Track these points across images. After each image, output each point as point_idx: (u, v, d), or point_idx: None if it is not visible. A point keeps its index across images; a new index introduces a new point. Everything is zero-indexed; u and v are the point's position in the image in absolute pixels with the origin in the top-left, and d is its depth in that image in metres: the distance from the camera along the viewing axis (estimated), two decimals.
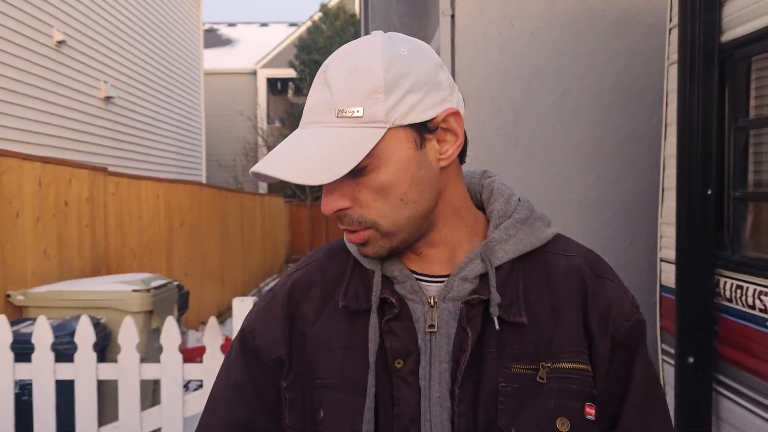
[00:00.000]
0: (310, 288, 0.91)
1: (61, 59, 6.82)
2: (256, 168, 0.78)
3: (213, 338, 2.90)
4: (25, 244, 4.29)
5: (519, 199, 0.92)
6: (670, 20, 2.20)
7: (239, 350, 0.93)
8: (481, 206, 0.93)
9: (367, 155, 0.76)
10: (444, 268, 0.87)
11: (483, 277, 0.84)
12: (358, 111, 0.77)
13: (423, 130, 0.80)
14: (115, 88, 8.23)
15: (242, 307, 2.84)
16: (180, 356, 2.86)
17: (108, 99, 7.97)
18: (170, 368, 2.86)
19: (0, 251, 4.00)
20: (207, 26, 20.59)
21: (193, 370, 2.90)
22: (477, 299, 0.82)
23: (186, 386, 5.05)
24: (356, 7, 17.16)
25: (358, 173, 0.79)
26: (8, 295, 4.04)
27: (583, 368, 0.82)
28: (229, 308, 9.18)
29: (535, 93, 2.83)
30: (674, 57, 2.15)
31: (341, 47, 0.83)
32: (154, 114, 9.78)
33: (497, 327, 0.81)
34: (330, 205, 0.81)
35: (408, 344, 0.83)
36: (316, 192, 16.12)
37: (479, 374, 0.80)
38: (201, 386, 3.13)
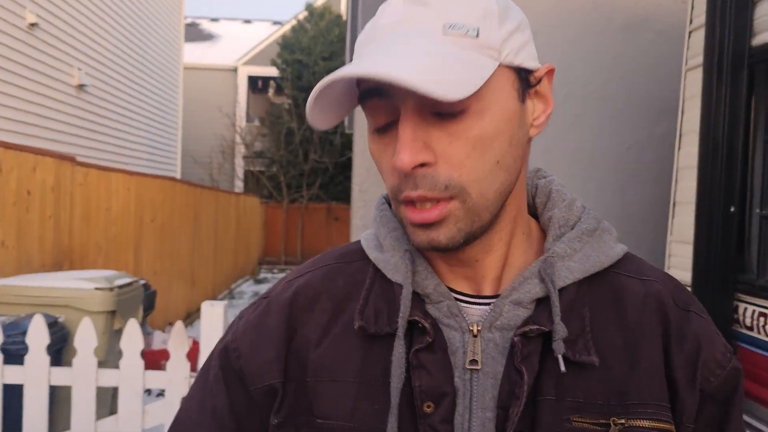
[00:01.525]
0: (315, 300, 0.72)
1: (33, 42, 6.52)
2: (355, 69, 0.56)
3: (178, 345, 2.67)
4: None
5: (583, 206, 0.73)
6: (690, 22, 2.05)
7: (219, 370, 0.73)
8: (531, 212, 0.74)
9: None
10: (490, 285, 0.68)
11: (541, 301, 0.66)
12: (474, 30, 0.59)
13: (525, 80, 0.63)
14: (89, 75, 7.93)
15: (212, 312, 2.63)
16: (141, 363, 2.64)
17: (81, 87, 7.68)
18: (130, 375, 2.63)
19: None
20: (189, 20, 20.26)
21: (155, 378, 2.67)
22: (536, 331, 0.63)
23: (147, 392, 4.79)
24: (342, 8, 17.01)
25: (454, 117, 0.59)
26: None
27: (665, 428, 0.64)
28: (198, 309, 8.92)
29: None
30: (693, 61, 2.01)
31: None
32: (129, 105, 9.49)
33: (563, 369, 0.61)
34: (416, 155, 0.59)
35: (441, 383, 0.64)
36: (292, 194, 15.88)
37: (530, 427, 0.62)
38: (163, 395, 2.90)
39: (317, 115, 0.62)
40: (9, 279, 4.04)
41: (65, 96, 7.30)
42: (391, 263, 0.69)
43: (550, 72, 0.66)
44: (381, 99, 0.60)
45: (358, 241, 0.77)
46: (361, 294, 0.70)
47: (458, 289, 0.69)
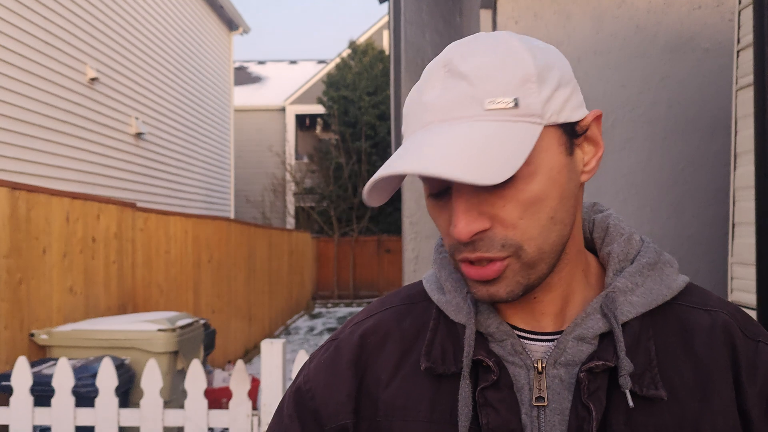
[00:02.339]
0: (384, 341, 0.74)
1: (93, 96, 6.86)
2: (389, 170, 0.59)
3: (240, 383, 2.73)
4: (51, 280, 4.20)
5: (642, 239, 0.73)
6: (738, 41, 2.02)
7: (294, 411, 0.76)
8: (589, 246, 0.76)
9: None
10: (552, 322, 0.69)
11: (604, 336, 0.66)
12: (513, 101, 0.61)
13: (572, 133, 0.65)
14: (146, 124, 8.27)
15: (271, 349, 2.68)
16: (205, 402, 2.70)
17: (139, 135, 8.00)
18: (194, 415, 2.70)
19: (25, 288, 3.90)
20: (237, 64, 20.92)
21: (219, 418, 2.73)
22: (602, 366, 0.64)
23: (211, 430, 4.86)
24: (384, 43, 17.29)
25: (504, 183, 0.61)
26: (32, 334, 3.93)
27: None
28: (255, 346, 9.04)
29: None
30: (744, 81, 1.98)
31: (457, 41, 0.67)
32: (184, 150, 9.82)
33: (631, 404, 0.62)
34: (471, 225, 0.61)
35: (509, 420, 0.65)
36: (342, 228, 16.02)
37: None
38: None
39: (374, 197, 0.64)
40: (78, 323, 4.21)
41: (124, 144, 7.61)
42: (453, 304, 0.71)
43: (598, 117, 0.67)
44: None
45: (421, 283, 0.79)
46: (426, 335, 0.71)
47: (520, 326, 0.70)
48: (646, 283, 0.69)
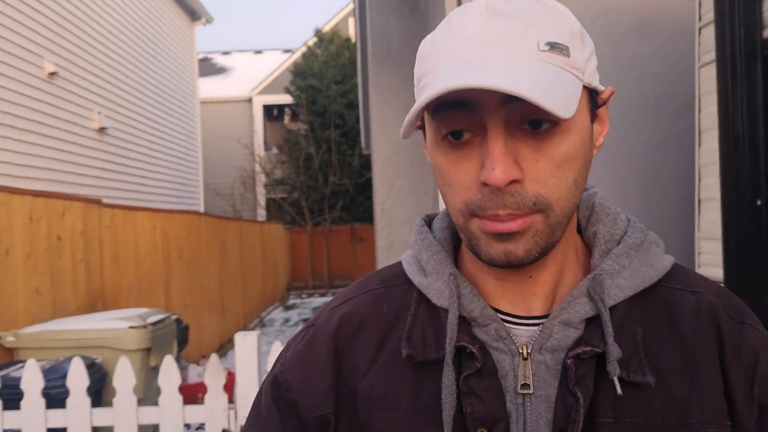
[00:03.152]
0: (360, 327, 0.71)
1: (53, 90, 6.69)
2: (479, 80, 0.53)
3: (215, 377, 2.70)
4: (16, 282, 4.09)
5: (628, 219, 0.71)
6: (700, 19, 2.05)
7: (272, 402, 0.73)
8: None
9: None
10: (541, 304, 0.67)
11: (591, 321, 0.64)
12: (567, 49, 0.58)
13: (595, 102, 0.64)
14: (109, 118, 8.10)
15: (245, 342, 2.65)
16: (180, 398, 2.67)
17: (102, 130, 7.84)
18: (169, 412, 2.66)
19: None
20: (201, 55, 20.60)
21: (195, 413, 2.70)
22: (590, 353, 0.62)
23: (187, 426, 4.81)
24: (350, 31, 17.18)
25: (541, 134, 0.58)
26: None
27: None
28: (230, 340, 8.97)
29: None
30: (706, 58, 2.00)
31: None
32: (150, 144, 9.65)
33: (619, 391, 0.60)
34: (509, 170, 0.56)
35: (494, 409, 0.63)
36: (315, 218, 15.96)
37: None
38: (203, 428, 2.92)
39: (409, 128, 0.59)
40: (46, 324, 4.11)
41: (87, 140, 7.45)
42: (435, 287, 0.68)
43: (610, 95, 0.66)
44: (464, 111, 0.58)
45: (400, 264, 0.75)
46: (406, 320, 0.69)
47: (505, 310, 0.67)
48: (633, 265, 0.67)
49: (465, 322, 0.66)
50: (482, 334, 0.65)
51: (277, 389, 0.73)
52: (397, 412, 0.66)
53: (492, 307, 0.67)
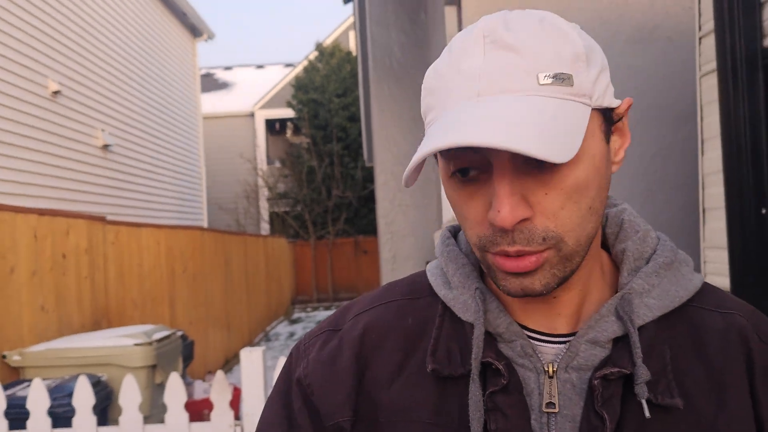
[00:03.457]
0: (385, 338, 0.70)
1: (56, 109, 6.73)
2: (456, 138, 0.53)
3: (221, 394, 2.69)
4: (21, 300, 4.10)
5: (658, 237, 0.69)
6: (700, 29, 2.05)
7: (303, 406, 0.72)
8: (602, 242, 0.71)
9: None
10: (566, 323, 0.65)
11: (618, 340, 0.63)
12: (569, 78, 0.56)
13: (610, 119, 0.62)
14: (113, 135, 8.14)
15: (251, 358, 2.65)
16: (186, 415, 2.66)
17: (106, 147, 7.87)
18: (176, 429, 2.65)
19: None
20: (203, 71, 20.72)
21: (201, 430, 2.68)
22: (618, 374, 0.60)
23: None
24: (351, 44, 17.26)
25: (548, 168, 0.56)
26: (3, 356, 3.83)
27: None
28: (236, 355, 8.94)
29: None
30: (707, 67, 2.00)
31: (490, 15, 0.61)
32: (153, 160, 9.69)
33: (647, 414, 0.59)
34: (516, 211, 0.56)
35: (519, 426, 0.62)
36: (318, 231, 15.96)
37: None
38: None
39: (411, 177, 0.59)
40: (51, 342, 4.11)
41: (91, 157, 7.48)
42: (461, 301, 0.67)
43: (629, 107, 0.64)
44: (471, 151, 0.58)
45: (424, 274, 0.74)
46: (431, 333, 0.68)
47: (531, 327, 0.66)
48: (662, 284, 0.65)
49: (491, 338, 0.65)
50: (508, 350, 0.64)
51: (303, 392, 0.72)
52: (420, 425, 0.65)
53: (518, 323, 0.66)
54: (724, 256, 1.84)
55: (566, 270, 0.60)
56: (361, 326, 0.72)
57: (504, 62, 0.57)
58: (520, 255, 0.58)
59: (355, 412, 0.69)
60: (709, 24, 1.95)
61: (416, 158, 0.55)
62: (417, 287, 0.73)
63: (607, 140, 0.62)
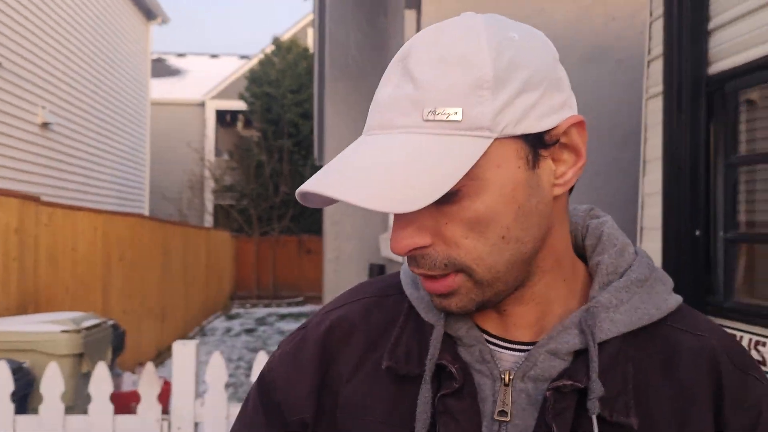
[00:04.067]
0: (350, 334, 0.70)
1: None
2: (311, 186, 0.56)
3: (149, 386, 2.61)
4: None
5: (636, 252, 0.68)
6: (649, 52, 2.11)
7: (259, 404, 0.72)
8: (580, 253, 0.70)
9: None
10: (527, 332, 0.65)
11: (579, 354, 0.62)
12: (456, 113, 0.55)
13: (538, 143, 0.58)
14: (54, 114, 7.84)
15: (183, 351, 2.58)
16: (111, 407, 2.57)
17: (46, 125, 7.58)
18: (99, 421, 2.56)
19: None
20: (155, 56, 20.21)
21: (126, 423, 2.60)
22: (571, 387, 0.60)
23: None
24: (309, 41, 17.15)
25: (447, 199, 0.56)
26: None
27: None
28: (170, 348, 8.70)
29: None
30: (653, 90, 2.06)
31: (426, 29, 0.61)
32: (96, 142, 9.38)
33: (596, 430, 0.58)
34: (405, 241, 0.58)
35: None
36: (263, 227, 15.76)
37: None
38: None
39: (313, 201, 0.61)
40: None
41: (29, 135, 7.19)
42: (426, 302, 0.67)
43: (579, 124, 0.60)
44: None
45: (398, 274, 0.74)
46: (393, 332, 0.68)
47: (493, 332, 0.66)
48: (632, 300, 0.64)
49: (450, 340, 0.65)
50: (467, 354, 0.64)
51: (263, 389, 0.73)
52: (374, 423, 0.65)
53: (480, 328, 0.66)
54: None
55: (485, 295, 0.60)
56: (328, 322, 0.72)
57: (402, 93, 0.57)
58: (432, 277, 0.60)
59: (318, 407, 0.69)
60: (658, 48, 2.00)
61: (298, 192, 0.58)
62: (387, 286, 0.74)
63: (533, 166, 0.59)
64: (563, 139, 0.60)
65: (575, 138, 0.60)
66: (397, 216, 0.59)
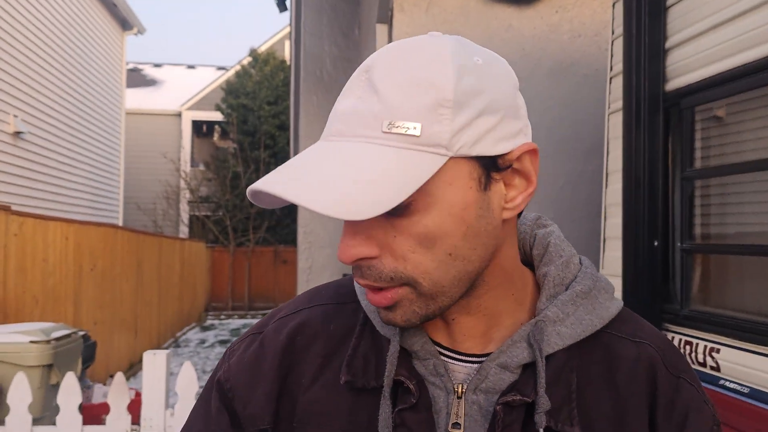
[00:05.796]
0: (311, 343, 0.71)
1: None
2: (263, 185, 0.56)
3: (119, 396, 2.60)
4: None
5: (580, 263, 0.71)
6: (611, 69, 2.18)
7: (223, 408, 0.71)
8: (527, 261, 0.72)
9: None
10: (476, 344, 0.67)
11: (527, 367, 0.65)
12: (414, 128, 0.56)
13: (491, 166, 0.60)
14: (26, 122, 7.75)
15: (154, 361, 2.58)
16: (80, 418, 2.55)
17: (17, 134, 7.49)
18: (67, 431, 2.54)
19: None
20: (131, 65, 20.07)
21: None
22: (519, 401, 0.62)
23: None
24: (286, 53, 17.17)
25: (398, 212, 0.58)
26: None
27: None
28: (142, 360, 8.57)
29: None
30: (615, 105, 2.13)
31: (392, 44, 0.62)
32: (69, 152, 9.28)
33: None
34: (352, 250, 0.59)
35: None
36: (238, 238, 15.68)
37: None
38: None
39: (264, 201, 0.61)
40: None
41: (0, 144, 7.10)
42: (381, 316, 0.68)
43: (532, 152, 0.62)
44: None
45: (351, 279, 0.75)
46: (350, 342, 0.69)
47: (446, 345, 0.67)
48: (577, 313, 0.66)
49: (406, 354, 0.66)
50: (421, 367, 0.66)
51: (223, 395, 0.72)
52: None
53: (433, 340, 0.67)
54: (618, 283, 1.95)
55: (429, 308, 0.61)
56: (288, 330, 0.72)
57: (364, 106, 0.58)
58: (376, 289, 0.61)
59: (276, 416, 0.69)
60: (619, 65, 2.07)
61: (249, 189, 0.58)
62: (343, 293, 0.74)
63: (484, 188, 0.60)
64: (516, 165, 0.62)
65: (527, 165, 0.62)
66: (347, 224, 0.60)
